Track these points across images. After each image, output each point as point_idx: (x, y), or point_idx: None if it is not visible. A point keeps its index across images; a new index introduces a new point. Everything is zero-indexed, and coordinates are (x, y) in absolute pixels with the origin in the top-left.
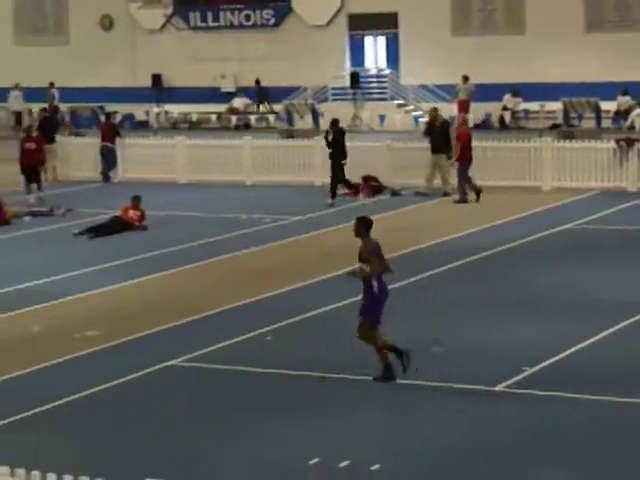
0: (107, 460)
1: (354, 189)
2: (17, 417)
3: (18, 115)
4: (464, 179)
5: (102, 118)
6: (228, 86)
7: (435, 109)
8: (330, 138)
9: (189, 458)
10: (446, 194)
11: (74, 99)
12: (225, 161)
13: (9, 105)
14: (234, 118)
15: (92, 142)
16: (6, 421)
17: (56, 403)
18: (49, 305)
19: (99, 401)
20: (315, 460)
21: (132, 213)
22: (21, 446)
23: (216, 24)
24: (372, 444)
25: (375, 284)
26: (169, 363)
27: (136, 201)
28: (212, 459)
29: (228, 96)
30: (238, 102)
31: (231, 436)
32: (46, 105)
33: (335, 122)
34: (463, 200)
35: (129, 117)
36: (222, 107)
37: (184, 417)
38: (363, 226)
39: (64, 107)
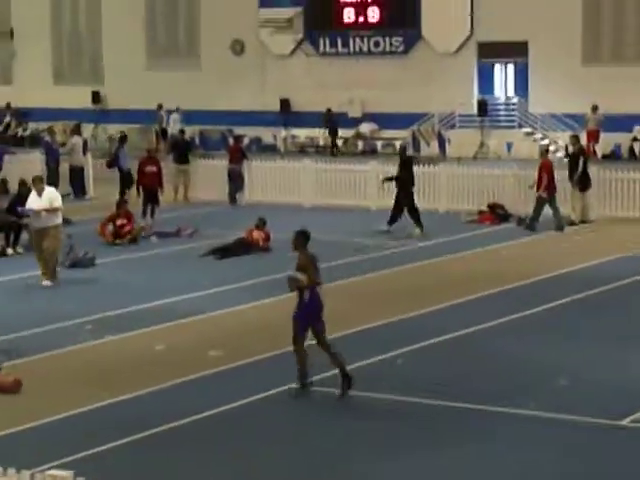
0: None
1: (418, 221)
2: (138, 436)
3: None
4: (555, 209)
5: (230, 141)
6: (355, 112)
7: (576, 136)
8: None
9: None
10: (572, 223)
11: (203, 122)
12: (351, 185)
13: (170, 127)
14: (360, 143)
15: (220, 164)
16: (127, 439)
17: (177, 423)
18: (174, 324)
19: (221, 421)
20: None
21: (257, 235)
22: (141, 465)
23: (345, 50)
24: (498, 476)
25: (307, 295)
26: (293, 386)
27: (261, 223)
28: None
29: (355, 122)
30: (365, 127)
31: (348, 463)
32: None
33: (403, 149)
34: (559, 228)
35: (256, 140)
36: (349, 132)
37: (300, 442)
38: (300, 239)
39: (194, 129)
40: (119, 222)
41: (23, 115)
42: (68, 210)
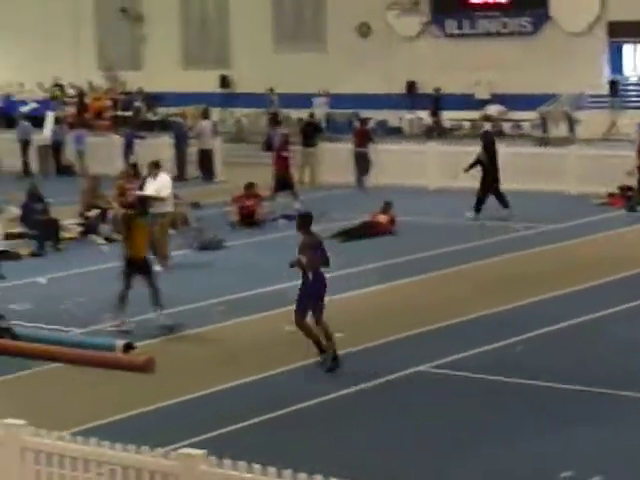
0: (345, 462)
1: (505, 202)
2: (268, 416)
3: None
4: None
5: (356, 124)
6: (482, 93)
7: None
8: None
9: (432, 466)
10: None
11: (330, 105)
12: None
13: (316, 111)
14: (488, 125)
15: (346, 148)
16: (258, 419)
17: (306, 403)
18: None
19: (348, 403)
20: (567, 473)
21: (382, 218)
22: (271, 444)
23: (472, 31)
24: (623, 460)
25: (310, 275)
26: (418, 369)
27: (387, 206)
28: (456, 468)
29: (482, 103)
30: (492, 109)
31: (477, 446)
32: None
33: (485, 132)
34: None
35: (382, 123)
36: (475, 114)
37: (429, 424)
38: (302, 222)
39: (322, 113)
40: (247, 203)
41: (153, 100)
42: (197, 194)
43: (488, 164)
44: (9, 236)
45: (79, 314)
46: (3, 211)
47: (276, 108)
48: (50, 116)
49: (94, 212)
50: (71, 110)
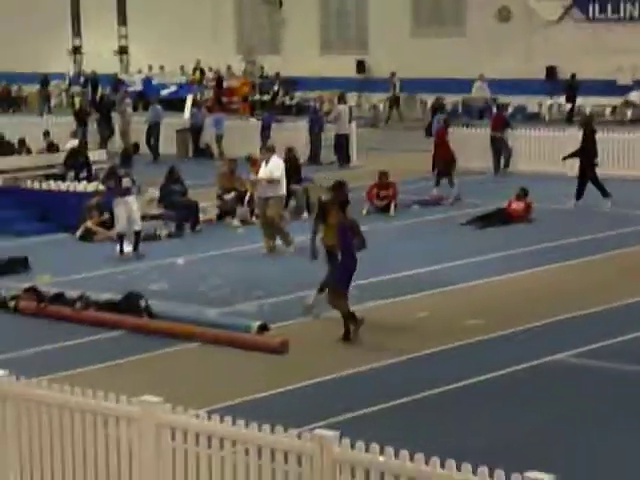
0: (479, 447)
1: (604, 191)
2: (402, 400)
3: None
4: None
5: (494, 109)
6: (625, 79)
7: None
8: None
9: (567, 454)
10: None
11: (467, 90)
12: (618, 155)
13: (474, 96)
14: (629, 112)
15: (483, 133)
16: (391, 403)
17: (440, 389)
18: (434, 292)
19: (486, 388)
20: None
21: (517, 205)
22: (403, 429)
23: (615, 16)
24: None
25: (340, 256)
26: (557, 357)
27: (523, 193)
28: (587, 456)
29: (624, 90)
30: (635, 95)
31: (616, 436)
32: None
33: (586, 120)
34: None
35: (521, 109)
36: (618, 100)
37: (566, 413)
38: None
39: (457, 99)
40: (382, 193)
41: (290, 84)
42: (332, 178)
43: (590, 151)
44: (148, 217)
45: (215, 295)
46: (143, 192)
47: (397, 92)
48: (189, 99)
49: (231, 195)
50: (210, 94)
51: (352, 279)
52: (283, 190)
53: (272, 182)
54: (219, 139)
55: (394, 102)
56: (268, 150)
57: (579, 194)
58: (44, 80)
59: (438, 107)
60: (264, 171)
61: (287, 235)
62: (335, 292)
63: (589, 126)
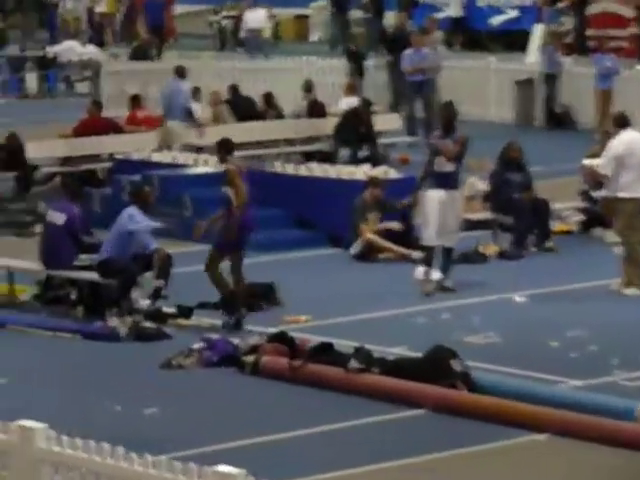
0: None
1: None
2: None
3: None
4: None
5: None
6: None
7: None
8: None
9: None
10: None
11: None
12: None
13: None
14: None
15: None
16: None
17: None
18: None
19: None
20: None
21: None
22: None
23: None
24: None
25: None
26: None
27: None
28: None
29: None
30: None
31: None
32: None
33: None
34: None
35: None
36: None
37: None
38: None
39: None
40: None
41: None
42: None
43: None
44: (469, 224)
45: (576, 356)
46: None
47: None
48: (539, 31)
49: (602, 192)
50: (571, 22)
51: None
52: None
53: None
54: (607, 97)
55: None
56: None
57: None
58: None
59: None
60: None
61: None
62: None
63: None
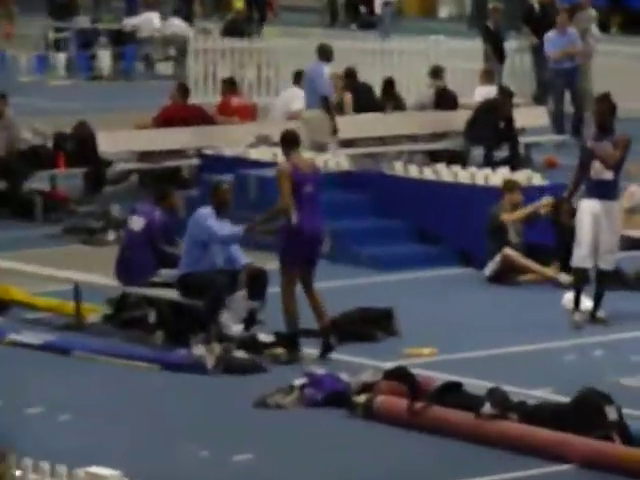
0: None
1: None
2: None
3: None
4: None
5: None
6: None
7: None
8: None
9: None
10: None
11: None
12: None
13: None
14: None
15: None
16: None
17: None
18: None
19: None
20: None
21: None
22: None
23: None
24: None
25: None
26: None
27: None
28: None
29: None
30: None
31: None
32: None
33: None
34: None
35: None
36: None
37: None
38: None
39: None
40: None
41: None
42: None
43: None
44: (629, 243)
45: None
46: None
47: None
48: None
49: None
50: None
51: None
52: None
53: None
54: None
55: None
56: None
57: None
58: None
59: None
60: None
61: None
62: None
63: None
